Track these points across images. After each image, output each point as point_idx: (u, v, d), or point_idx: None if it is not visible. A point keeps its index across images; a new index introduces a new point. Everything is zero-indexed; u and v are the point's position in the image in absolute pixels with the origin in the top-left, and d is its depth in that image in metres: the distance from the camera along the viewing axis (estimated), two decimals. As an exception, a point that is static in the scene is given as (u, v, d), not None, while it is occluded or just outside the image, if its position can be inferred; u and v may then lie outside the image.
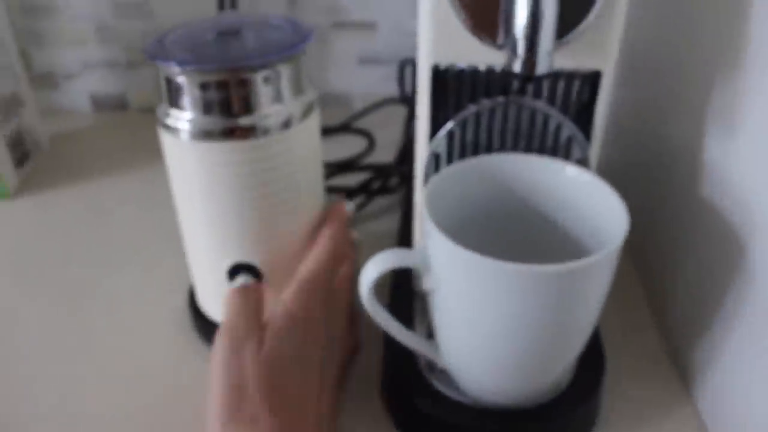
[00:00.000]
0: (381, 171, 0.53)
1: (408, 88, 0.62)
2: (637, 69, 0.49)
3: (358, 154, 0.56)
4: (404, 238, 0.45)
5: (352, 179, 0.54)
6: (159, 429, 0.36)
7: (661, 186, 0.43)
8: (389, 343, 0.36)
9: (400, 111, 0.64)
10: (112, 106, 0.72)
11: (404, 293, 0.40)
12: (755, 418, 0.31)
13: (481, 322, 0.28)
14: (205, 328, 0.41)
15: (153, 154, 0.63)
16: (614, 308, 0.43)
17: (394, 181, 0.54)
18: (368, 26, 0.65)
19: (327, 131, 0.58)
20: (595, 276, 0.27)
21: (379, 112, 0.63)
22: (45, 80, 0.70)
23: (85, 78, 0.70)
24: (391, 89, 0.67)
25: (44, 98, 0.70)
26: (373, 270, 0.29)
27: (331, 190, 0.52)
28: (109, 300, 0.45)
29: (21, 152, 0.59)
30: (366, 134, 0.57)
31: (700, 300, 0.36)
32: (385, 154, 0.58)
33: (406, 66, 0.61)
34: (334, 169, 0.53)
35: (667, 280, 0.41)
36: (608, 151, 0.55)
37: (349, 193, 0.52)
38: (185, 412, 0.36)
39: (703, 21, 0.37)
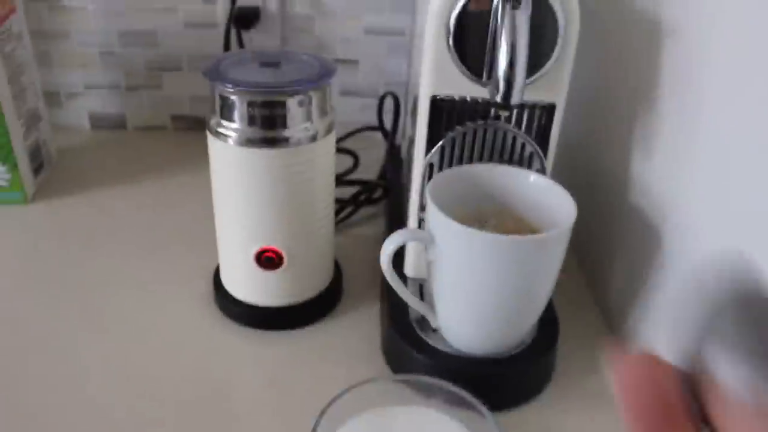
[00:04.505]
0: (367, 185, 0.63)
1: (385, 118, 0.72)
2: (585, 106, 0.60)
3: (345, 170, 0.65)
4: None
5: (342, 192, 0.63)
6: (186, 389, 0.43)
7: (601, 196, 0.54)
8: (391, 314, 0.45)
9: (377, 136, 0.74)
10: (109, 125, 0.78)
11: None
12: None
13: (469, 284, 0.37)
14: (228, 305, 0.49)
15: (153, 168, 0.71)
16: (565, 294, 0.54)
17: (377, 193, 0.64)
18: (351, 63, 0.75)
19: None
20: (549, 248, 0.37)
21: (359, 136, 0.73)
22: (49, 98, 0.76)
23: (86, 98, 0.77)
24: (368, 117, 0.77)
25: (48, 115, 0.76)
26: (390, 244, 0.38)
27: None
28: (137, 285, 0.52)
29: (38, 163, 0.65)
30: (352, 154, 0.66)
31: (630, 283, 0.47)
32: (367, 171, 0.68)
33: (385, 99, 0.71)
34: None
35: (605, 269, 0.52)
36: (562, 169, 0.67)
37: (342, 203, 0.61)
38: (208, 376, 0.44)
39: (628, 71, 0.49)
